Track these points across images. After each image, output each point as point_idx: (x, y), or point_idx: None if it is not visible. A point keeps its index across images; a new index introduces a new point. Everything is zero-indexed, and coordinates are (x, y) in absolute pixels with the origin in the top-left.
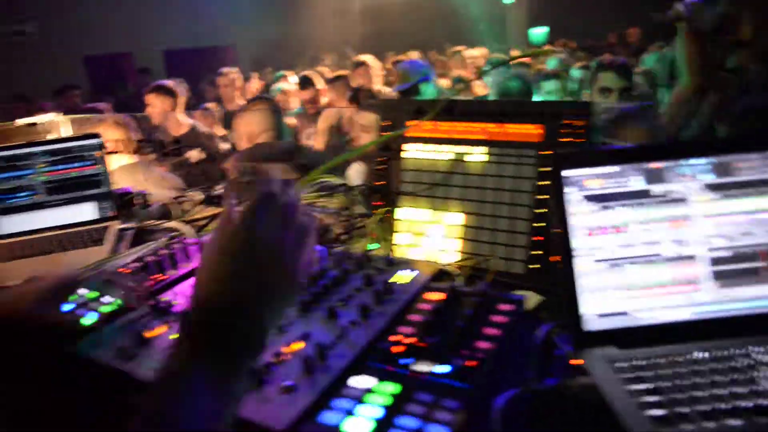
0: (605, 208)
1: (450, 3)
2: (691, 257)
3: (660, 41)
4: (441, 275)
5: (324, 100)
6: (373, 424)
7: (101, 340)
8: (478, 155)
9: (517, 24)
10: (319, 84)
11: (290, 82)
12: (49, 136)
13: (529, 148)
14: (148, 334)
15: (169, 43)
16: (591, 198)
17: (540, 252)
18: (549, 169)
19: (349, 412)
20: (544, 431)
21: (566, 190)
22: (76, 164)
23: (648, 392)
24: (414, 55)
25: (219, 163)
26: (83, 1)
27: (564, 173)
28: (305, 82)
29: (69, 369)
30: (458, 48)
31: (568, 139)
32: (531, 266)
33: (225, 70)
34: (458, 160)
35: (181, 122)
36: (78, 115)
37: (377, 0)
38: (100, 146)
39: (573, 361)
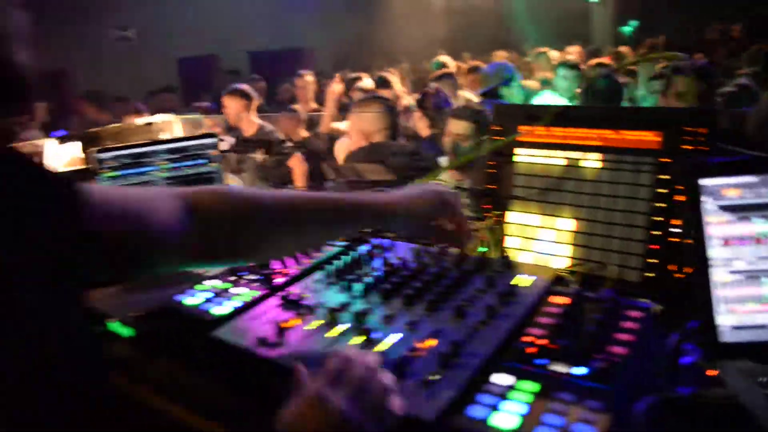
0: (743, 218)
1: (533, 2)
2: None
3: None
4: (557, 280)
5: (406, 101)
6: (519, 420)
7: (238, 329)
8: (592, 161)
9: (603, 21)
10: (396, 85)
11: (365, 84)
12: (161, 135)
13: (647, 155)
14: (284, 325)
15: (254, 45)
16: (728, 208)
17: (656, 260)
18: (667, 176)
19: (494, 407)
20: None
21: (702, 198)
22: (193, 162)
23: None
24: (501, 55)
25: (282, 164)
26: (176, 6)
27: (701, 182)
28: (382, 83)
29: (213, 353)
30: (542, 49)
31: (690, 147)
32: (647, 274)
33: (303, 72)
34: (571, 165)
35: (252, 123)
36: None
37: (457, 1)
38: (215, 146)
39: (710, 372)
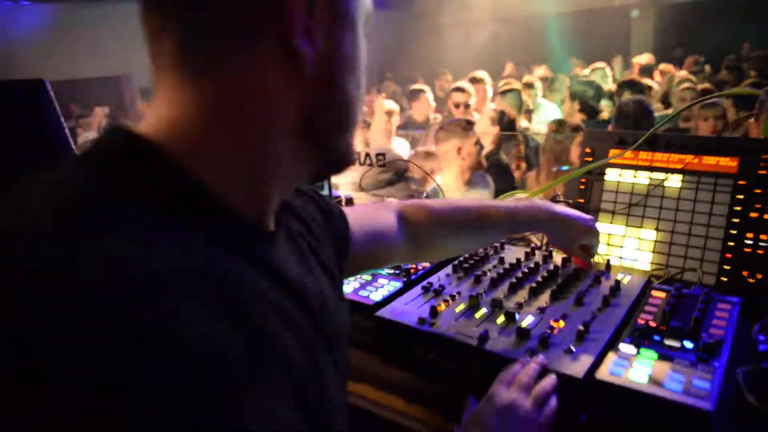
0: None
1: (571, 19)
2: None
3: None
4: (650, 279)
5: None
6: (647, 377)
7: (396, 311)
8: (674, 182)
9: (643, 37)
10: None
11: (428, 99)
12: None
13: (725, 178)
14: (438, 308)
15: None
16: None
17: (730, 267)
18: (742, 196)
19: (626, 368)
20: None
21: None
22: None
23: None
24: (541, 69)
25: None
26: None
27: None
28: (460, 90)
29: (379, 329)
30: (600, 64)
31: (765, 172)
32: (722, 278)
33: None
34: (655, 185)
35: None
36: None
37: (500, 15)
38: None
39: None
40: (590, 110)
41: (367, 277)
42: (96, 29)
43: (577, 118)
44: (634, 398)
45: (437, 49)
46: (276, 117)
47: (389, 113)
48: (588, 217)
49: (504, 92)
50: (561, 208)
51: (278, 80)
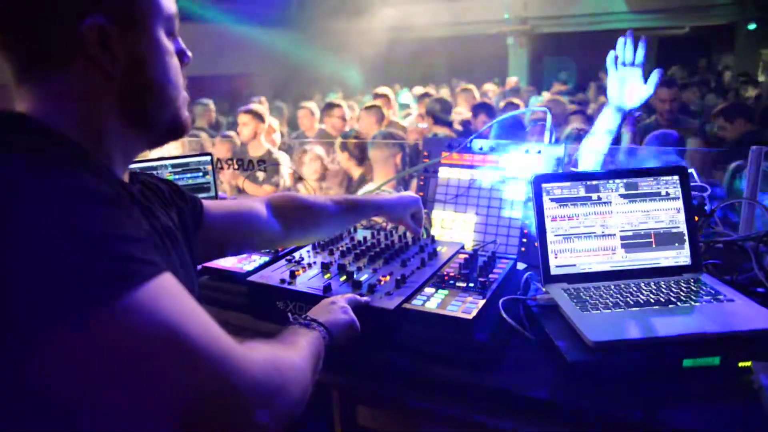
0: (562, 205)
1: (457, 42)
2: (611, 235)
3: None
4: (462, 248)
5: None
6: (437, 304)
7: (264, 276)
8: (488, 176)
9: (519, 61)
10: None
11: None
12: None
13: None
14: (296, 273)
15: (196, 71)
16: (554, 200)
17: (525, 239)
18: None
19: (425, 301)
20: (527, 320)
21: (543, 194)
22: (192, 174)
23: (582, 301)
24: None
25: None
26: None
27: (543, 185)
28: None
29: (249, 288)
30: (469, 86)
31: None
32: (522, 248)
33: (256, 99)
34: (474, 179)
35: (261, 145)
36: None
37: (390, 37)
38: (210, 162)
39: (543, 289)
40: (442, 121)
41: (243, 257)
42: None
43: (436, 128)
44: (427, 318)
45: (330, 68)
46: (99, 104)
47: (265, 127)
48: (412, 195)
49: (368, 108)
50: (392, 197)
51: (93, 80)
